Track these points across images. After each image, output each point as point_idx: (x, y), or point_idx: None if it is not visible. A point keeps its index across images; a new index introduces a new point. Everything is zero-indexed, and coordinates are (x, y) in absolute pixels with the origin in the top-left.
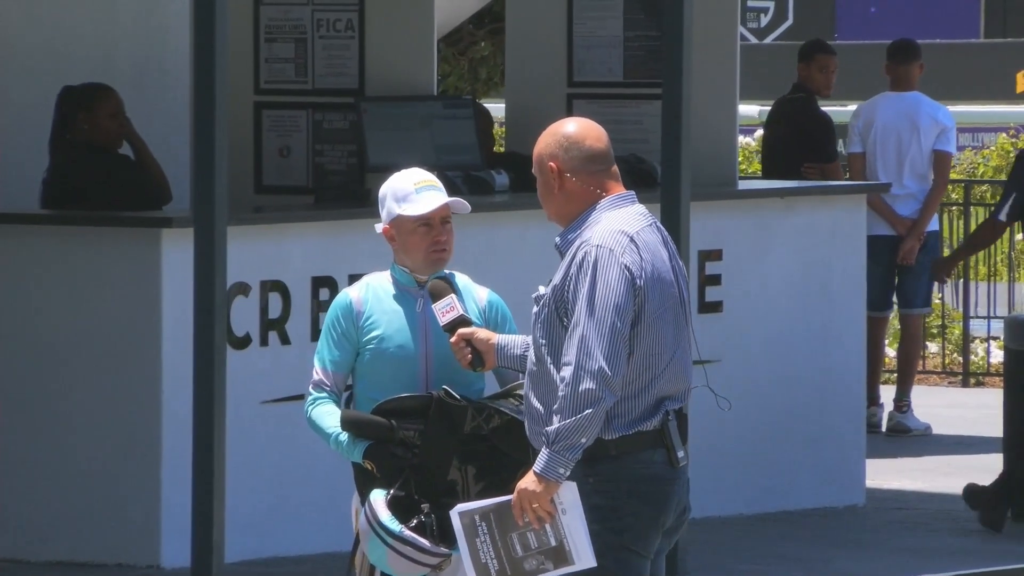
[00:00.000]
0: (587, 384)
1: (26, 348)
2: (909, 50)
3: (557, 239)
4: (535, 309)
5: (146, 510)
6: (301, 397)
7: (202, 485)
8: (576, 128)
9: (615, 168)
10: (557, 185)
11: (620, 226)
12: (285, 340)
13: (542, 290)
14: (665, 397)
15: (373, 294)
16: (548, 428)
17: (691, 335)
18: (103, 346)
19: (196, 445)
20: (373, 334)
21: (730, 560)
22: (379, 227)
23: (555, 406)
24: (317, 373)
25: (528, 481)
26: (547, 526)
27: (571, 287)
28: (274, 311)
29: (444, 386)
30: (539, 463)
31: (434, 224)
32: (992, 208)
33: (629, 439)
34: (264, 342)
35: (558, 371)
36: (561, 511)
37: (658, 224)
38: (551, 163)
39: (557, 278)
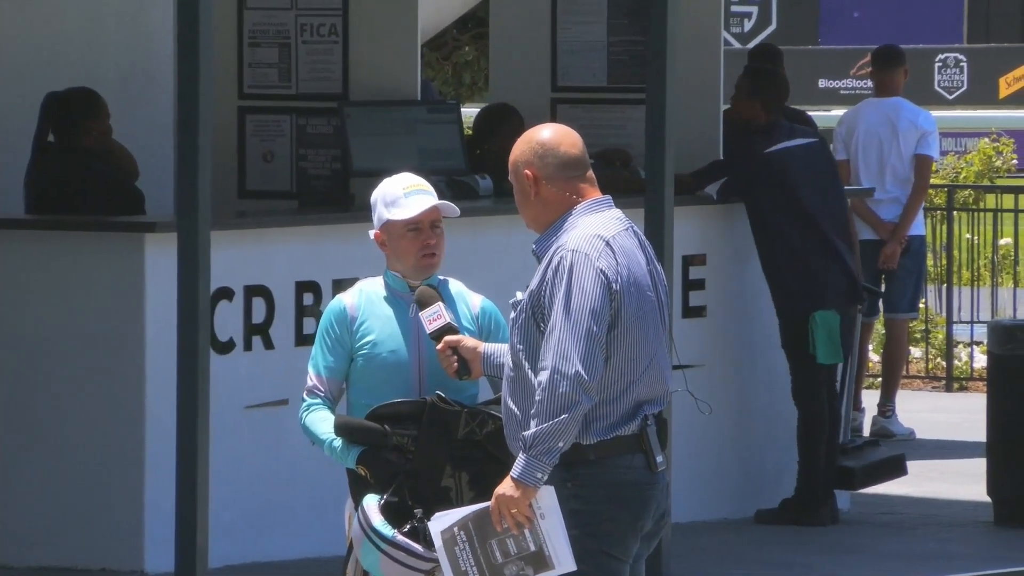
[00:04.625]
0: (564, 388)
1: (9, 353)
2: (891, 56)
3: (534, 245)
4: (512, 315)
5: (130, 515)
6: (285, 402)
7: (186, 490)
8: (551, 134)
9: (591, 173)
10: (533, 192)
11: (596, 231)
12: (269, 345)
13: (520, 296)
14: (644, 402)
15: (367, 299)
16: (525, 433)
17: (670, 340)
18: (87, 351)
19: (180, 450)
20: (366, 339)
21: (714, 565)
22: (372, 233)
23: (532, 410)
24: (311, 379)
25: (506, 486)
26: (526, 531)
27: (547, 292)
28: (258, 316)
29: (437, 391)
30: (516, 468)
31: (423, 228)
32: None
33: (607, 444)
34: (248, 347)
35: (535, 376)
36: (540, 516)
37: (635, 228)
38: (527, 170)
39: (534, 283)
